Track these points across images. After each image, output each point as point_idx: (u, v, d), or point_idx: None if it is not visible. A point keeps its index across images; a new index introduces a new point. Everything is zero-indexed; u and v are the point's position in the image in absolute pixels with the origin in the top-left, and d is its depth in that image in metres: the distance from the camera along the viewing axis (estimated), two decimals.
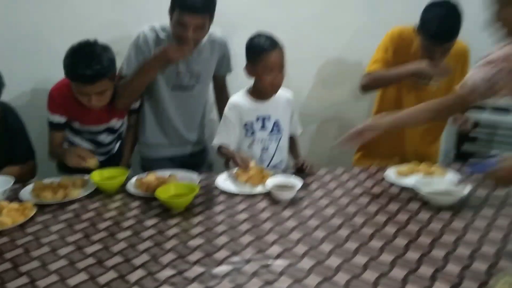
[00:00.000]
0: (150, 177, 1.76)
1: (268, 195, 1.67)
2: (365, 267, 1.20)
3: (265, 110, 1.96)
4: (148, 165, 2.15)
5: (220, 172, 1.91)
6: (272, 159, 2.01)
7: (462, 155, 2.52)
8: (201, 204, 1.62)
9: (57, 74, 2.06)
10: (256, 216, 1.52)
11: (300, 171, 1.88)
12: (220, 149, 1.95)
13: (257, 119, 1.95)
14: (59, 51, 1.90)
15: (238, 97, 1.97)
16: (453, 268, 1.18)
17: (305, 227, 1.43)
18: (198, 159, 2.28)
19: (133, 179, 1.80)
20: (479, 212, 1.52)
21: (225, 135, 1.95)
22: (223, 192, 1.71)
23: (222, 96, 2.26)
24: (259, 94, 1.94)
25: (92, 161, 1.82)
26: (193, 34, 1.82)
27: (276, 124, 1.98)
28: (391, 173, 1.85)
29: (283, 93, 1.99)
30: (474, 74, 1.59)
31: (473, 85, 1.58)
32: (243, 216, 1.52)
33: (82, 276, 1.17)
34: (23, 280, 1.16)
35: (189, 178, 1.83)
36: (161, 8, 1.88)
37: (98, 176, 1.76)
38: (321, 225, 1.44)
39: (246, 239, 1.36)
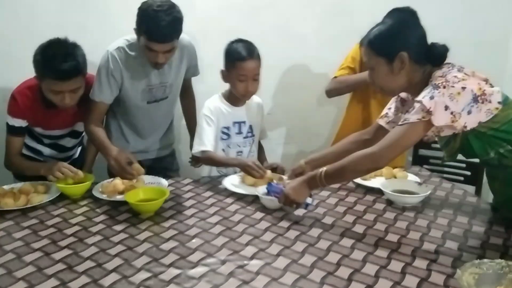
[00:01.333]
0: (117, 181, 1.72)
1: (240, 198, 1.69)
2: (338, 264, 1.23)
3: (240, 115, 1.99)
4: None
5: (187, 176, 1.91)
6: None
7: (419, 159, 2.64)
8: (171, 208, 1.60)
9: (19, 76, 2.00)
10: (228, 219, 1.52)
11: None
12: (205, 153, 1.89)
13: (234, 123, 1.97)
14: (16, 56, 1.83)
15: (215, 102, 1.97)
16: (421, 262, 1.24)
17: (277, 228, 1.45)
18: (166, 163, 2.26)
19: (99, 184, 1.75)
20: (440, 210, 1.60)
21: (211, 139, 1.91)
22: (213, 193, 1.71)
23: (187, 96, 2.26)
24: (234, 99, 1.96)
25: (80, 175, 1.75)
26: (163, 57, 1.82)
27: (250, 129, 2.02)
28: None
29: (254, 98, 2.03)
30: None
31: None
32: (214, 219, 1.52)
33: (53, 282, 1.13)
34: None
35: (157, 182, 1.81)
36: (124, 12, 1.84)
37: (62, 181, 1.70)
38: (291, 226, 1.46)
39: (219, 241, 1.36)
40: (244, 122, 2.01)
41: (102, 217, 1.53)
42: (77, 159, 2.18)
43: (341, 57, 2.30)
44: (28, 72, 1.80)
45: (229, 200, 1.69)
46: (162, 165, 2.22)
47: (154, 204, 1.54)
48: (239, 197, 1.71)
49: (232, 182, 1.83)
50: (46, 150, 2.02)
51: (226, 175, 1.93)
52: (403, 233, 1.42)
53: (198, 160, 2.05)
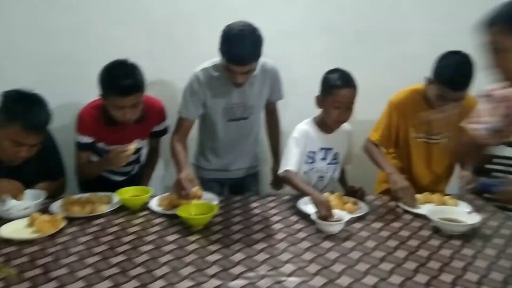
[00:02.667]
0: (172, 196, 1.85)
1: (285, 218, 1.75)
2: (374, 287, 1.25)
3: (328, 142, 2.05)
4: (200, 184, 2.24)
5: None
6: (325, 187, 2.10)
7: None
8: (220, 223, 1.69)
9: (87, 96, 2.22)
10: (272, 236, 1.58)
11: (351, 195, 1.94)
12: (288, 173, 1.93)
13: (321, 149, 2.04)
14: (90, 76, 2.04)
15: (306, 126, 2.05)
16: None
17: (318, 248, 1.49)
18: (247, 184, 2.33)
19: (156, 197, 1.89)
20: (489, 241, 1.56)
21: (295, 161, 1.96)
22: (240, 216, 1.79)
23: (272, 121, 2.35)
24: (325, 126, 2.03)
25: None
26: (241, 77, 1.92)
27: (335, 156, 2.08)
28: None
29: (344, 125, 2.06)
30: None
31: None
32: (258, 236, 1.59)
33: (107, 283, 1.25)
34: (53, 284, 1.25)
35: (209, 199, 1.92)
36: (192, 38, 1.98)
37: (123, 194, 1.86)
38: (333, 248, 1.49)
39: (261, 256, 1.43)
40: (330, 149, 2.06)
41: (156, 228, 1.65)
42: (135, 174, 2.36)
43: (394, 83, 2.30)
44: (94, 93, 2.01)
45: (274, 218, 1.75)
46: (243, 186, 2.31)
47: (203, 219, 1.64)
48: (284, 216, 1.77)
49: (306, 203, 1.85)
50: None
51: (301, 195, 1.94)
52: (446, 261, 1.40)
53: (280, 181, 2.13)
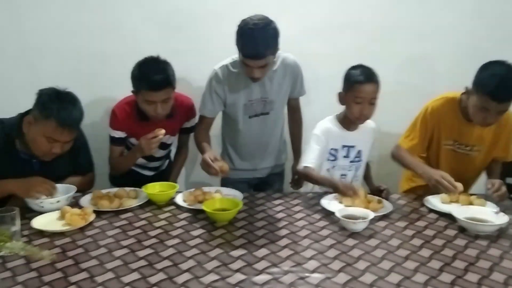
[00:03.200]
0: (198, 191, 1.89)
1: (308, 215, 1.76)
2: (399, 285, 1.25)
3: (351, 139, 2.05)
4: (225, 184, 2.25)
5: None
6: None
7: (508, 188, 2.49)
8: (244, 219, 1.72)
9: (116, 93, 2.28)
10: (295, 233, 1.60)
11: (376, 194, 1.94)
12: (307, 169, 1.97)
13: (343, 147, 2.05)
14: (119, 74, 2.09)
15: (329, 123, 2.06)
16: None
17: (341, 246, 1.50)
18: (271, 182, 2.35)
19: (182, 193, 1.93)
20: None
21: (318, 157, 1.99)
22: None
23: (295, 118, 2.35)
24: (348, 123, 2.03)
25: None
26: (258, 72, 1.94)
27: (358, 154, 2.08)
28: (431, 200, 1.88)
29: (368, 123, 2.06)
30: None
31: None
32: (282, 232, 1.60)
33: (135, 275, 1.29)
34: (83, 275, 1.29)
35: (233, 195, 1.94)
36: (217, 36, 2.00)
37: (150, 189, 1.90)
38: (357, 245, 1.50)
39: (284, 253, 1.44)
40: (353, 146, 2.06)
41: (182, 223, 1.68)
42: (164, 170, 2.41)
43: (419, 80, 2.28)
44: (129, 89, 2.06)
45: (298, 215, 1.76)
46: (268, 184, 2.33)
47: (228, 214, 1.67)
48: (307, 213, 1.78)
49: (329, 200, 1.88)
50: (139, 159, 2.27)
51: (326, 193, 1.98)
52: (472, 261, 1.39)
53: (300, 179, 2.15)
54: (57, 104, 1.77)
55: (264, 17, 1.90)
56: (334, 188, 1.89)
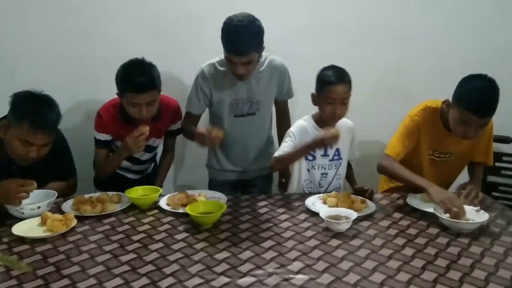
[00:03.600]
0: (181, 195, 1.87)
1: (293, 216, 1.76)
2: (382, 284, 1.26)
3: None
4: (212, 186, 2.30)
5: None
6: (330, 184, 2.11)
7: (488, 186, 2.53)
8: (228, 222, 1.71)
9: (97, 96, 2.25)
10: (280, 234, 1.60)
11: (359, 194, 1.94)
12: (275, 158, 1.98)
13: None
14: (101, 78, 2.07)
15: (304, 122, 2.07)
16: None
17: (325, 246, 1.50)
18: (259, 185, 2.35)
19: (166, 196, 1.91)
20: (498, 239, 1.56)
21: (287, 150, 1.99)
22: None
23: (283, 120, 2.35)
24: (323, 122, 2.03)
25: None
26: (242, 69, 1.95)
27: (337, 152, 2.08)
28: (414, 199, 1.90)
29: (345, 121, 2.08)
30: None
31: None
32: (266, 234, 1.60)
33: (118, 281, 1.28)
34: (65, 282, 1.27)
35: (217, 197, 1.93)
36: (199, 38, 2.01)
37: (133, 193, 1.88)
38: (340, 246, 1.50)
39: (269, 255, 1.44)
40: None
41: (165, 227, 1.67)
42: (150, 173, 2.40)
43: (403, 82, 2.30)
44: (111, 92, 2.04)
45: (282, 217, 1.76)
46: (255, 187, 2.33)
47: (211, 217, 1.66)
48: (292, 214, 1.78)
49: (314, 201, 1.89)
50: (123, 162, 2.25)
51: (310, 194, 2.00)
52: (453, 258, 1.41)
53: (287, 183, 2.18)
54: (30, 106, 1.74)
55: (249, 15, 1.93)
56: (308, 147, 1.89)
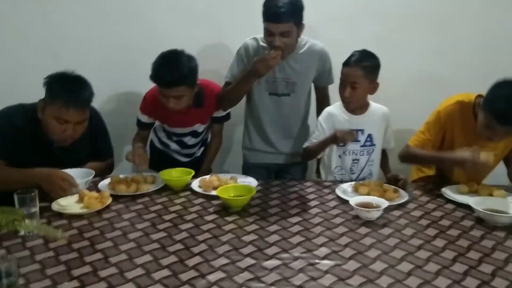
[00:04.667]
0: (213, 177, 1.90)
1: (322, 203, 1.76)
2: (409, 274, 1.23)
3: (359, 123, 2.04)
4: (246, 169, 2.34)
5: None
6: (362, 171, 2.09)
7: None
8: (257, 206, 1.72)
9: (135, 82, 2.30)
10: (308, 220, 1.59)
11: (392, 183, 1.91)
12: (304, 149, 2.07)
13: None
14: (141, 63, 2.11)
15: (333, 108, 2.08)
16: (500, 282, 1.19)
17: (354, 234, 1.49)
18: (293, 171, 2.34)
19: (198, 179, 1.95)
20: None
21: (314, 141, 2.05)
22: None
23: (323, 107, 2.29)
24: (353, 108, 2.03)
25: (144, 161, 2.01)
26: (279, 40, 1.96)
27: (369, 138, 2.06)
28: (449, 190, 1.85)
29: (379, 107, 2.07)
30: None
31: None
32: (295, 219, 1.60)
33: (147, 257, 1.32)
34: (98, 255, 1.33)
35: (248, 182, 1.95)
36: (234, 25, 2.03)
37: (167, 175, 1.93)
38: (369, 234, 1.49)
39: (296, 239, 1.45)
40: (362, 130, 2.04)
41: (196, 208, 1.71)
42: (199, 157, 2.44)
43: (443, 69, 2.22)
44: (142, 79, 2.08)
45: (312, 203, 1.76)
46: (289, 174, 2.32)
47: (241, 200, 1.68)
48: (322, 201, 1.77)
49: (345, 189, 1.87)
50: (173, 145, 2.34)
51: (342, 181, 1.99)
52: (487, 252, 1.36)
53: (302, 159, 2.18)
54: (62, 85, 1.81)
55: None
56: (331, 139, 1.93)
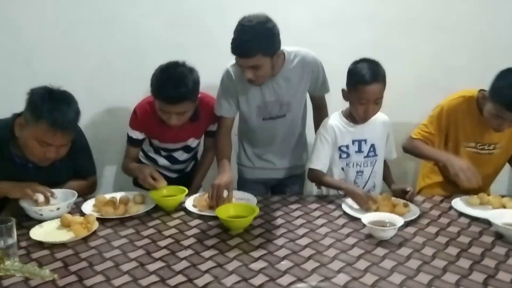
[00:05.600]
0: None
1: (330, 221, 1.63)
2: None
3: (361, 133, 1.92)
4: (242, 184, 2.18)
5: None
6: (366, 183, 1.97)
7: None
8: (260, 226, 1.58)
9: (118, 92, 2.11)
10: (318, 242, 1.46)
11: (399, 196, 1.81)
12: (312, 172, 1.92)
13: (353, 142, 1.92)
14: (119, 71, 1.95)
15: (334, 119, 1.94)
16: None
17: (371, 256, 1.36)
18: (290, 184, 2.21)
19: (192, 197, 1.79)
20: None
21: (323, 157, 1.91)
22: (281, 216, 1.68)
23: (320, 116, 2.16)
24: (354, 118, 1.91)
25: (163, 184, 1.82)
26: (249, 73, 1.79)
27: (372, 148, 1.94)
28: (459, 203, 1.76)
29: (379, 116, 1.93)
30: None
31: None
32: (304, 241, 1.47)
33: None
34: None
35: (247, 199, 1.81)
36: (225, 30, 1.87)
37: (157, 194, 1.76)
38: (388, 255, 1.36)
39: (309, 265, 1.31)
40: (364, 140, 1.93)
41: (193, 231, 1.55)
42: (189, 172, 2.28)
43: (441, 75, 2.15)
44: (129, 85, 1.91)
45: (318, 222, 1.63)
46: (286, 186, 2.19)
47: (244, 221, 1.54)
48: (329, 219, 1.65)
49: (350, 204, 1.76)
50: (162, 160, 2.16)
51: (344, 195, 1.86)
52: None
53: (310, 181, 2.03)
54: (48, 104, 1.61)
55: (264, 16, 1.75)
56: (351, 194, 1.77)
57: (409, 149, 2.09)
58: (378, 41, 2.44)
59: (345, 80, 1.89)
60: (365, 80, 1.77)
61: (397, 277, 1.23)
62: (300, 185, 2.24)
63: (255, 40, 1.72)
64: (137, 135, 2.02)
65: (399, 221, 1.49)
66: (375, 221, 1.51)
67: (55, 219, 1.58)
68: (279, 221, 1.64)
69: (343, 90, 1.88)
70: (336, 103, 2.01)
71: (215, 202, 1.68)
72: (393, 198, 1.76)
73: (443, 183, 2.14)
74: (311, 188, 2.25)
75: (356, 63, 1.85)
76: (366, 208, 1.69)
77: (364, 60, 1.84)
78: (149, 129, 2.02)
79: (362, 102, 1.80)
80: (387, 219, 1.53)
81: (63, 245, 1.42)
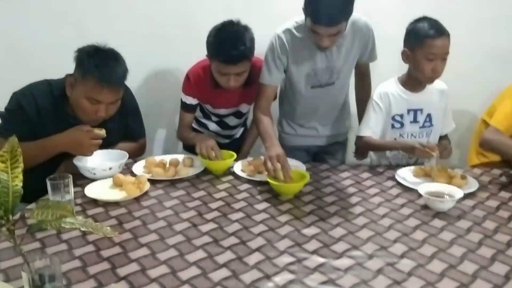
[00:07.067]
0: (256, 161, 1.73)
1: (383, 191, 1.58)
2: (507, 277, 1.06)
3: (417, 102, 1.84)
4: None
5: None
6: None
7: None
8: (310, 193, 1.55)
9: (172, 61, 2.08)
10: (371, 211, 1.42)
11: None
12: (363, 139, 1.86)
13: (408, 111, 1.84)
14: (171, 37, 1.89)
15: (389, 86, 1.86)
16: None
17: (428, 227, 1.31)
18: (332, 151, 2.16)
19: (240, 162, 1.78)
20: None
21: (373, 125, 1.85)
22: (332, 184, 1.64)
23: (363, 84, 2.09)
24: (413, 85, 1.82)
25: (220, 155, 1.77)
26: (328, 41, 1.70)
27: (428, 118, 1.86)
28: None
29: (437, 84, 1.84)
30: None
31: None
32: (357, 210, 1.43)
33: (201, 254, 1.16)
34: (144, 251, 1.17)
35: (295, 165, 1.77)
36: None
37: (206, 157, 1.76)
38: (446, 227, 1.31)
39: (364, 233, 1.28)
40: (421, 110, 1.84)
41: (243, 195, 1.54)
42: (238, 138, 2.27)
43: (501, 40, 1.98)
44: (178, 50, 1.88)
45: (371, 191, 1.58)
46: (329, 154, 2.14)
47: (296, 187, 1.52)
48: (382, 189, 1.60)
49: (404, 174, 1.70)
50: (212, 126, 2.16)
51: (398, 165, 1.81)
52: None
53: (359, 149, 1.97)
54: (95, 60, 1.61)
55: None
56: (409, 148, 1.71)
57: (492, 144, 1.86)
58: (435, 5, 2.27)
59: (399, 46, 1.80)
60: (433, 34, 1.69)
61: (457, 250, 1.18)
62: (342, 153, 2.19)
63: (342, 7, 1.62)
64: (190, 100, 2.00)
65: (459, 193, 1.43)
66: (432, 191, 1.45)
67: (107, 178, 1.61)
68: (330, 189, 1.60)
69: (404, 52, 1.79)
70: (388, 71, 1.92)
71: (268, 171, 1.61)
72: (449, 170, 1.69)
73: (501, 162, 1.94)
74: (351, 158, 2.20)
75: (416, 20, 1.76)
76: (429, 157, 1.64)
77: (424, 18, 1.75)
78: (202, 94, 2.00)
79: (430, 58, 1.70)
80: (445, 190, 1.46)
81: (116, 204, 1.45)
